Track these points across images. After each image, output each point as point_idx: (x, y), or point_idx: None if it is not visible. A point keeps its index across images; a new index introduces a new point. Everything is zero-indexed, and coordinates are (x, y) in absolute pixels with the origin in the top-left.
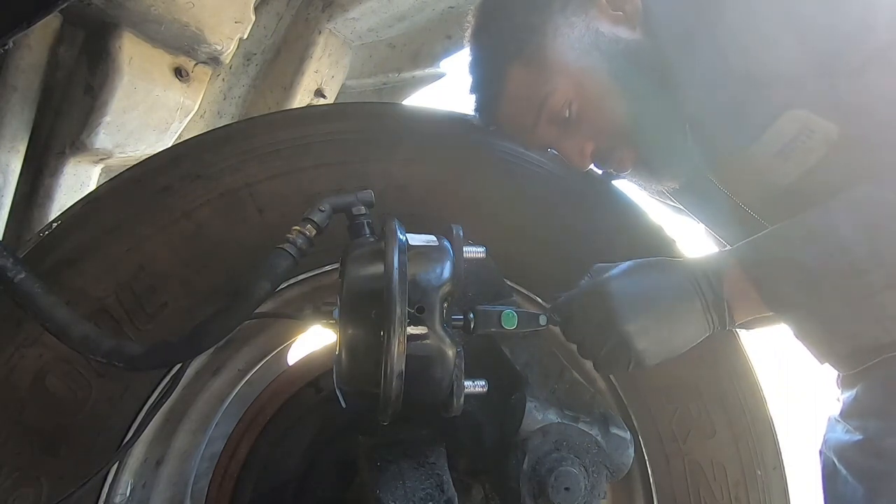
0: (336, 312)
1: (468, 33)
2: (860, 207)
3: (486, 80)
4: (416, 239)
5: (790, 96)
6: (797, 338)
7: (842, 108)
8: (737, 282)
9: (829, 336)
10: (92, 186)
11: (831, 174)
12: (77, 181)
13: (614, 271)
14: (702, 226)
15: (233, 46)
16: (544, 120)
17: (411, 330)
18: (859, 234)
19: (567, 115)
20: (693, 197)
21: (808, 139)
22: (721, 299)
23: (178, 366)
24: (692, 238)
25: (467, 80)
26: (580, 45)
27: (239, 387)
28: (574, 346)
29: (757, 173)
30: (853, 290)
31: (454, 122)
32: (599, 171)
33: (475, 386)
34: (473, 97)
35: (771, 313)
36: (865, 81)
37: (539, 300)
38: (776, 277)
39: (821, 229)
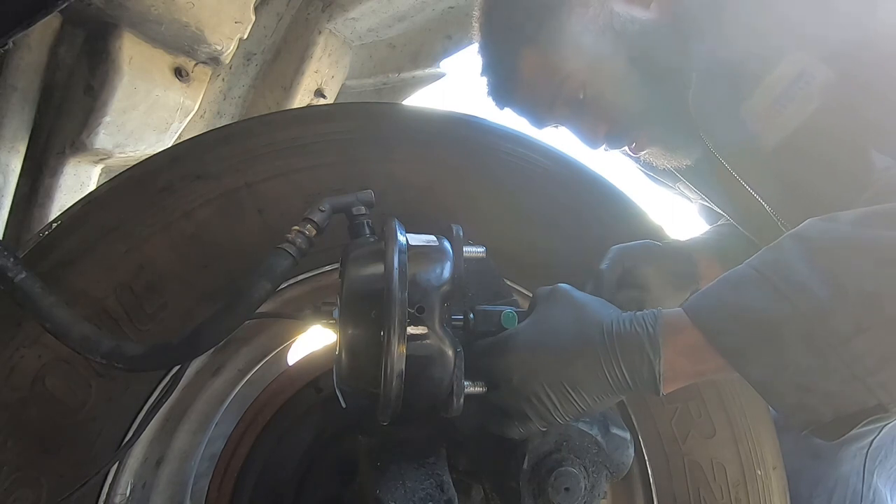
0: (336, 312)
1: (478, 14)
2: (813, 243)
3: (500, 63)
4: (416, 239)
5: (790, 41)
6: (773, 405)
7: (841, 51)
8: (678, 331)
9: (804, 397)
10: (92, 186)
11: (818, 136)
12: (77, 181)
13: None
14: (711, 206)
15: (233, 46)
16: (559, 102)
17: (411, 330)
18: (817, 271)
19: (581, 97)
20: (700, 175)
21: (808, 85)
22: (654, 348)
23: (178, 366)
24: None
25: (477, 62)
26: (595, 25)
27: (239, 387)
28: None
29: (748, 134)
30: (818, 337)
31: (454, 122)
32: (613, 151)
33: (475, 386)
34: (485, 79)
35: (720, 373)
36: (866, 26)
37: None
38: (727, 321)
39: (772, 270)
